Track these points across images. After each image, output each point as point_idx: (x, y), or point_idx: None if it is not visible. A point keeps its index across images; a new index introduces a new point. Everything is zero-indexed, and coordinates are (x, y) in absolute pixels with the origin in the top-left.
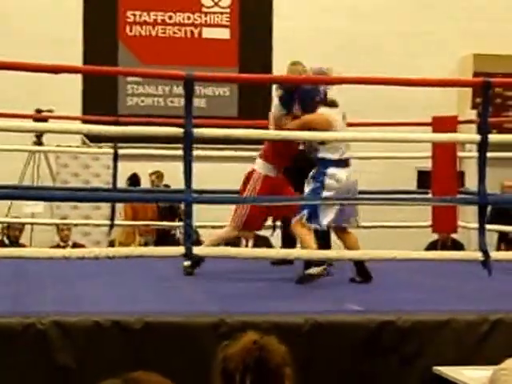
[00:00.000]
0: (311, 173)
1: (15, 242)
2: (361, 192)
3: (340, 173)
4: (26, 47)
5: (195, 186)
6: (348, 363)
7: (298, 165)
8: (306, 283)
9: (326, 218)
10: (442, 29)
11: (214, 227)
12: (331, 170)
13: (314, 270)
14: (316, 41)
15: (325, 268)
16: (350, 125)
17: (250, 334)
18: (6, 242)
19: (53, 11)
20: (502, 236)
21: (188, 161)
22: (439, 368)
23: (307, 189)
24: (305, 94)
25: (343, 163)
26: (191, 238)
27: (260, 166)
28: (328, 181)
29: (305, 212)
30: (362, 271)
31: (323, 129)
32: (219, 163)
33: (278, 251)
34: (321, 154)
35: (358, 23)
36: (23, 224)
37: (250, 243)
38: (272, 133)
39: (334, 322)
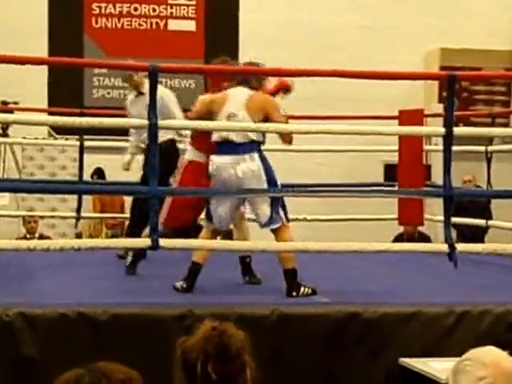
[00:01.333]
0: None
1: None
2: (326, 185)
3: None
4: None
5: None
6: (315, 355)
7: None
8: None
9: None
10: (408, 23)
11: None
12: None
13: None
14: (282, 33)
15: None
16: (318, 118)
17: (208, 322)
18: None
19: (18, 2)
20: (460, 232)
21: (153, 152)
22: (406, 360)
23: None
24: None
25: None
26: (157, 230)
27: (187, 153)
28: None
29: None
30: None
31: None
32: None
33: (242, 243)
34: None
35: (324, 17)
36: None
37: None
38: (236, 125)
39: (301, 313)
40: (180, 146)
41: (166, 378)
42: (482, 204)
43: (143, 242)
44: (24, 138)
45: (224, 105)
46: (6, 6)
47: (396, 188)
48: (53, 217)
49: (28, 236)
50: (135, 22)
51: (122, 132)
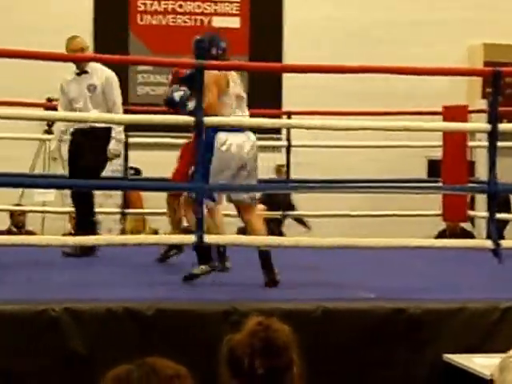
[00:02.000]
0: None
1: (21, 227)
2: (371, 180)
3: None
4: (36, 36)
5: None
6: (359, 350)
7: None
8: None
9: None
10: (452, 18)
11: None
12: None
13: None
14: (327, 29)
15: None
16: (362, 114)
17: (253, 317)
18: (14, 229)
19: (64, 0)
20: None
21: (200, 148)
22: (450, 356)
23: None
24: (200, 48)
25: None
26: (203, 225)
27: None
28: None
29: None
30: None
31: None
32: None
33: (288, 239)
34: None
35: (370, 12)
36: (33, 211)
37: None
38: (283, 121)
39: (345, 309)
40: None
41: (212, 373)
42: (504, 198)
43: (188, 238)
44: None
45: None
46: (52, 4)
47: (440, 184)
48: (99, 213)
49: (73, 232)
50: (180, 19)
51: (165, 128)
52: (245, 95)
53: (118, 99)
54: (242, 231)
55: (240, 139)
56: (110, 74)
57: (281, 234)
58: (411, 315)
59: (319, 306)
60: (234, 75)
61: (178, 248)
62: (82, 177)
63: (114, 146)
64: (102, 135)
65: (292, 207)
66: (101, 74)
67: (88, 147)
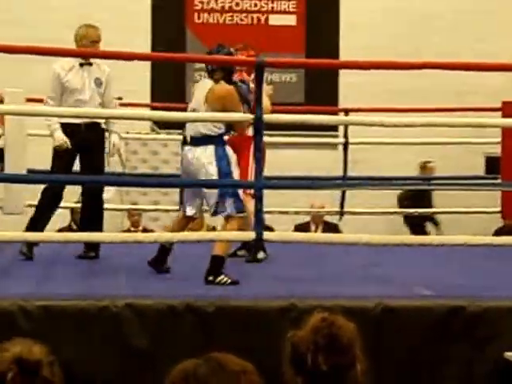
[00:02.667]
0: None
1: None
2: (428, 178)
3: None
4: None
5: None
6: (418, 348)
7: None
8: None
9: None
10: (508, 8)
11: (281, 212)
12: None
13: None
14: (383, 25)
15: None
16: (417, 110)
17: (317, 313)
18: (74, 226)
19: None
20: None
21: (258, 146)
22: (511, 354)
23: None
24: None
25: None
26: (262, 223)
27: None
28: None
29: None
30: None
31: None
32: (285, 149)
33: (348, 236)
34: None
35: (424, 3)
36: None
37: (319, 230)
38: (342, 119)
39: (405, 306)
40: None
41: (272, 369)
42: None
43: (247, 234)
44: (127, 132)
45: (191, 99)
46: (110, 3)
47: (499, 181)
48: (156, 210)
49: (132, 229)
50: (237, 17)
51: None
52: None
53: (113, 96)
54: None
55: None
56: (109, 69)
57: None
58: (471, 313)
59: (379, 304)
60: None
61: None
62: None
63: (118, 141)
64: (102, 131)
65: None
66: (103, 68)
67: (97, 144)
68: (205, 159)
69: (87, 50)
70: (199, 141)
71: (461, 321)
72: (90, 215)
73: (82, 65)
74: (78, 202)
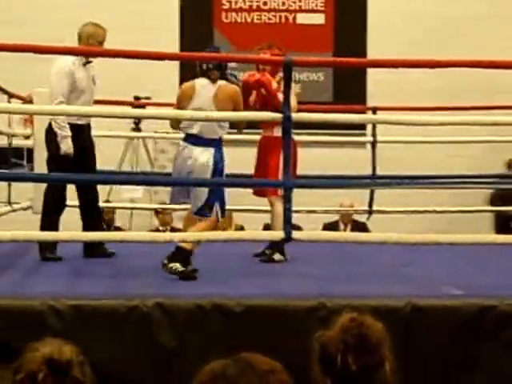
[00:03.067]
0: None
1: (110, 225)
2: (456, 176)
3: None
4: (122, 34)
5: None
6: (447, 348)
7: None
8: None
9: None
10: None
11: (309, 212)
12: None
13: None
14: (412, 23)
15: None
16: (447, 109)
17: (346, 314)
18: (103, 226)
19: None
20: None
21: (287, 145)
22: None
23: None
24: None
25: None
26: (291, 221)
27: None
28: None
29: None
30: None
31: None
32: (313, 148)
33: (377, 236)
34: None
35: (453, 6)
36: (121, 208)
37: (348, 229)
38: (371, 117)
39: (434, 305)
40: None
41: (301, 369)
42: None
43: (277, 234)
44: (156, 131)
45: (193, 98)
46: (138, 2)
47: None
48: (184, 209)
49: (161, 228)
50: (264, 16)
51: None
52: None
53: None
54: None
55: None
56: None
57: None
58: (501, 312)
59: (408, 303)
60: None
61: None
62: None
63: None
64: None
65: None
66: (93, 65)
67: (92, 143)
68: (203, 160)
69: (117, 49)
70: (200, 141)
71: (491, 320)
72: (91, 215)
73: (84, 63)
74: (106, 201)
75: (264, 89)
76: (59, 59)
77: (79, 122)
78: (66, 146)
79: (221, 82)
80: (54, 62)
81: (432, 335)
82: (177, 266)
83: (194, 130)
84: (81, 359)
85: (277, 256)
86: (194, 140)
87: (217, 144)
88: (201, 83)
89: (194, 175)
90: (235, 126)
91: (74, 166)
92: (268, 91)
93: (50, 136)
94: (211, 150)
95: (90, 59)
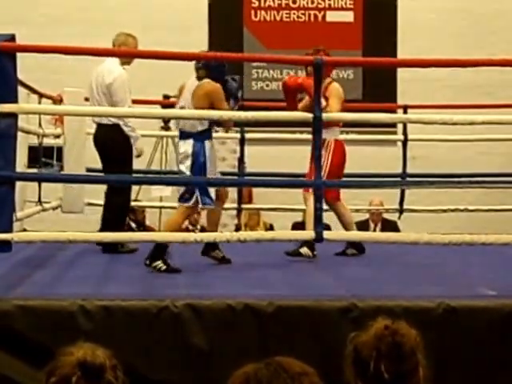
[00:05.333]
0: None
1: (141, 225)
2: (488, 174)
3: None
4: (152, 34)
5: None
6: (481, 348)
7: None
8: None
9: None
10: None
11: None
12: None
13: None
14: (442, 21)
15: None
16: (479, 106)
17: (380, 320)
18: (133, 225)
19: None
20: None
21: (317, 145)
22: None
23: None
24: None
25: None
26: (322, 221)
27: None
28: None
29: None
30: None
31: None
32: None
33: (409, 235)
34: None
35: (483, 2)
36: (150, 207)
37: (378, 227)
38: (402, 116)
39: (467, 306)
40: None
41: (332, 370)
42: None
43: (307, 234)
44: None
45: (180, 96)
46: (167, 2)
47: None
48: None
49: (190, 228)
50: (294, 14)
51: (281, 124)
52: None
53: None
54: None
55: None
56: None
57: None
58: None
59: (441, 304)
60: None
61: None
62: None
63: None
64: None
65: None
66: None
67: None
68: (182, 150)
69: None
70: (183, 134)
71: None
72: (114, 215)
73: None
74: (135, 201)
75: (306, 92)
76: (115, 68)
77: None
78: (140, 150)
79: (204, 80)
80: (108, 69)
81: (465, 336)
82: (159, 264)
83: (180, 126)
84: (114, 363)
85: (304, 250)
86: (180, 134)
87: (196, 136)
88: (189, 82)
89: (179, 165)
90: (222, 124)
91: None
92: (309, 95)
93: (118, 138)
94: (190, 141)
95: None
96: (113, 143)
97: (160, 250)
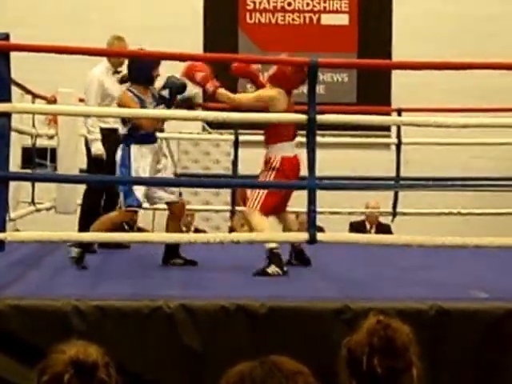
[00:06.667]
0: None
1: (133, 226)
2: (481, 178)
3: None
4: (148, 35)
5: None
6: (474, 351)
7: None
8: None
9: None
10: None
11: (333, 213)
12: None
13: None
14: (437, 24)
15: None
16: (471, 110)
17: (372, 316)
18: (126, 227)
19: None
20: None
21: (312, 148)
22: None
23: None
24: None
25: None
26: (315, 223)
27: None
28: None
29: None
30: None
31: None
32: (337, 150)
33: (400, 238)
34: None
35: (478, 7)
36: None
37: (373, 230)
38: (396, 119)
39: (460, 308)
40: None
41: (326, 371)
42: None
43: (301, 235)
44: (179, 132)
45: None
46: (162, 3)
47: None
48: (207, 210)
49: (184, 229)
50: (289, 17)
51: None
52: None
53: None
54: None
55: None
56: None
57: None
58: None
59: (433, 306)
60: None
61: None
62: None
63: None
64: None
65: None
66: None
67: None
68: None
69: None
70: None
71: None
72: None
73: (114, 73)
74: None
75: (250, 79)
76: (89, 72)
77: (114, 126)
78: (98, 150)
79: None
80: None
81: (458, 338)
82: (176, 261)
83: None
84: (106, 361)
85: (271, 269)
86: None
87: (123, 140)
88: None
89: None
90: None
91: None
92: (254, 82)
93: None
94: (120, 145)
95: (119, 69)
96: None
97: (172, 250)
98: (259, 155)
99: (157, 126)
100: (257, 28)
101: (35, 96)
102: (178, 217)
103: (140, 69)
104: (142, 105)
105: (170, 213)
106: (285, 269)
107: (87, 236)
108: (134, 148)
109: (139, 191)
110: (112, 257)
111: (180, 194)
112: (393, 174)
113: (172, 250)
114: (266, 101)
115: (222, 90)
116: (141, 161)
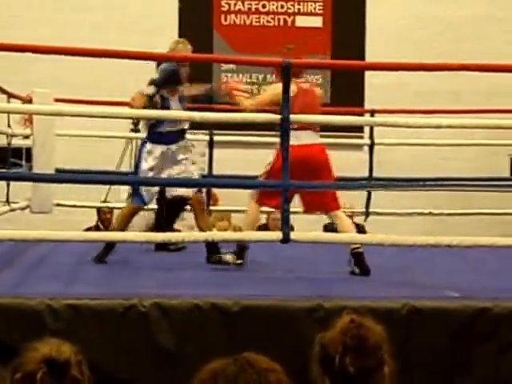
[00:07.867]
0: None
1: (108, 226)
2: (453, 178)
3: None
4: (120, 35)
5: None
6: (445, 349)
7: None
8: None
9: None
10: None
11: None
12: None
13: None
14: (410, 27)
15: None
16: (445, 112)
17: (346, 315)
18: (101, 226)
19: (150, 1)
20: None
21: (285, 147)
22: None
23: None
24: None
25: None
26: (289, 222)
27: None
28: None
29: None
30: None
31: None
32: None
33: (372, 237)
34: None
35: (453, 10)
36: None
37: None
38: (368, 120)
39: (431, 307)
40: None
41: (298, 369)
42: None
43: (274, 234)
44: None
45: None
46: (137, 4)
47: None
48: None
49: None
50: (263, 18)
51: (250, 127)
52: None
53: None
54: (329, 228)
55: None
56: None
57: None
58: (497, 315)
59: (405, 305)
60: None
61: None
62: None
63: None
64: None
65: None
66: None
67: None
68: None
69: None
70: None
71: (487, 323)
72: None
73: None
74: (104, 202)
75: None
76: None
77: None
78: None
79: None
80: None
81: (429, 337)
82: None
83: None
84: (79, 358)
85: (228, 257)
86: None
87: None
88: None
89: None
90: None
91: None
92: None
93: None
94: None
95: None
96: None
97: (212, 246)
98: (234, 155)
99: (175, 127)
100: (232, 29)
101: (10, 96)
102: (200, 210)
103: (163, 71)
104: (164, 104)
105: (191, 208)
106: (243, 260)
107: (61, 235)
108: (146, 147)
109: (146, 191)
110: (85, 256)
111: (199, 190)
112: (366, 174)
113: (213, 247)
114: (280, 93)
115: (251, 106)
116: (147, 160)
